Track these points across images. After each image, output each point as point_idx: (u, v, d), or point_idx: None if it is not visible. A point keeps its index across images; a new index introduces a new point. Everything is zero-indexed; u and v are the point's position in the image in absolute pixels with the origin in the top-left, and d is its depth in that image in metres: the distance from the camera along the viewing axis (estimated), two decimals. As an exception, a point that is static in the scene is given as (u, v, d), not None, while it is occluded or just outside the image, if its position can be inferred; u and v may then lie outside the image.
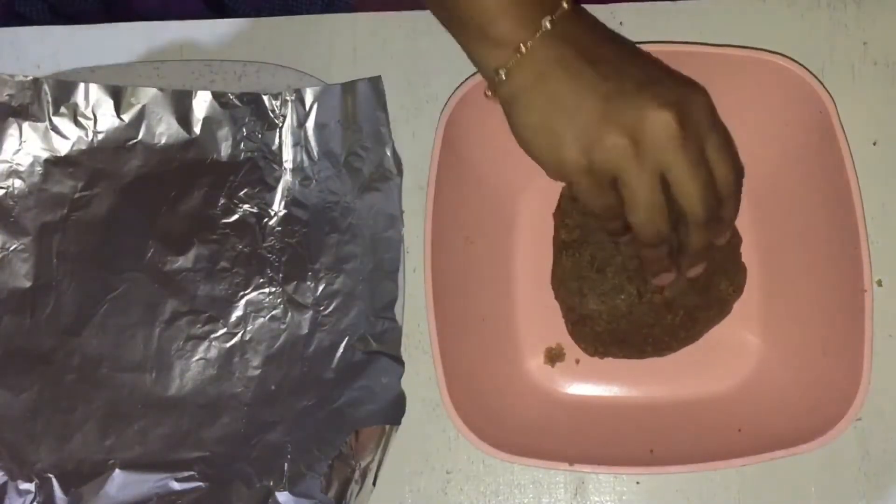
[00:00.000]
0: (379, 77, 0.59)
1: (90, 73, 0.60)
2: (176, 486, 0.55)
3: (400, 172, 0.58)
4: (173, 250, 0.59)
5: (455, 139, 0.55)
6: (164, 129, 0.60)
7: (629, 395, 0.58)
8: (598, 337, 0.56)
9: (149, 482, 0.55)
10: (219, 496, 0.54)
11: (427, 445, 0.57)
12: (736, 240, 0.57)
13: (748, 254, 0.58)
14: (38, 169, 0.59)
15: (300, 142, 0.59)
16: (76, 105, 0.59)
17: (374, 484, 0.55)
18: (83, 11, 0.74)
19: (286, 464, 0.54)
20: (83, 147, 0.60)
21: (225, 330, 0.58)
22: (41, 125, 0.59)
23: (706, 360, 0.58)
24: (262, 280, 0.58)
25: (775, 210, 0.58)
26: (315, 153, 0.59)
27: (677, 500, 0.57)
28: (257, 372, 0.57)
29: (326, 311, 0.58)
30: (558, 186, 0.58)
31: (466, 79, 0.55)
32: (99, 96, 0.59)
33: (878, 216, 0.58)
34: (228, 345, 0.58)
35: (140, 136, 0.60)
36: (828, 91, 0.53)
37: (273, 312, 0.58)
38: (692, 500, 0.57)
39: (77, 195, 0.59)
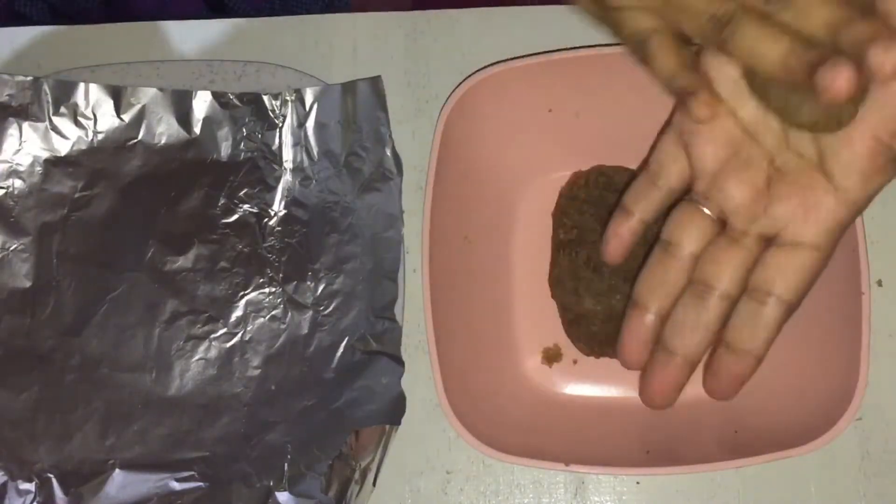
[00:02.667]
0: (379, 77, 0.59)
1: (90, 73, 0.60)
2: (176, 486, 0.55)
3: (400, 172, 0.58)
4: (173, 250, 0.59)
5: (455, 139, 0.55)
6: (164, 129, 0.60)
7: (627, 396, 0.58)
8: (594, 336, 0.56)
9: (149, 482, 0.55)
10: (219, 496, 0.54)
11: (427, 445, 0.58)
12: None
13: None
14: (38, 169, 0.60)
15: (300, 142, 0.59)
16: (76, 105, 0.59)
17: (374, 484, 0.55)
18: (83, 11, 0.74)
19: (286, 464, 0.54)
20: (83, 147, 0.60)
21: (225, 330, 0.58)
22: (41, 125, 0.59)
23: (704, 361, 0.58)
24: (262, 280, 0.58)
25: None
26: (315, 153, 0.59)
27: (677, 500, 0.57)
28: (257, 372, 0.57)
29: (326, 311, 0.58)
30: (557, 186, 0.59)
31: (466, 78, 0.55)
32: (99, 96, 0.59)
33: (878, 216, 0.58)
34: (228, 345, 0.58)
35: (140, 136, 0.60)
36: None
37: (273, 312, 0.58)
38: (692, 500, 0.57)
39: (77, 195, 0.59)
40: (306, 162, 0.59)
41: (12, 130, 0.59)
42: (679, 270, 0.45)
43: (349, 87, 0.59)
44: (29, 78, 0.59)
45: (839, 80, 0.34)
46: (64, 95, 0.59)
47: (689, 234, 0.45)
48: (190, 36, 0.62)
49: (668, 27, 0.42)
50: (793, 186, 0.42)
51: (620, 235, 0.48)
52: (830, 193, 0.41)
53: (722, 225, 0.45)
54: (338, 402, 0.55)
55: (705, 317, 0.44)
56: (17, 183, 0.59)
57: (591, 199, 0.57)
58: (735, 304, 0.44)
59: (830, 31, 0.36)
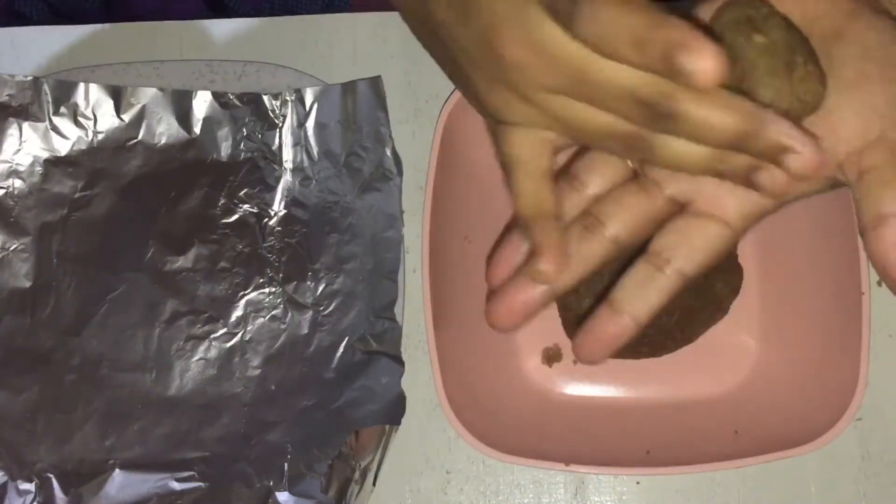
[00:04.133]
0: (379, 77, 0.59)
1: (90, 73, 0.60)
2: (176, 486, 0.55)
3: (400, 172, 0.58)
4: (173, 250, 0.59)
5: (455, 139, 0.55)
6: (164, 129, 0.60)
7: (627, 396, 0.58)
8: (594, 337, 0.56)
9: (149, 482, 0.55)
10: (219, 496, 0.54)
11: (427, 445, 0.58)
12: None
13: (745, 255, 0.58)
14: (38, 169, 0.60)
15: (300, 142, 0.59)
16: (76, 105, 0.59)
17: (374, 484, 0.55)
18: (83, 11, 0.74)
19: (286, 464, 0.54)
20: (83, 147, 0.60)
21: (225, 330, 0.58)
22: (41, 125, 0.59)
23: (704, 361, 0.58)
24: (262, 280, 0.58)
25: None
26: (315, 153, 0.59)
27: (677, 501, 0.57)
28: (257, 372, 0.57)
29: (326, 311, 0.58)
30: (558, 186, 0.58)
31: (466, 79, 0.55)
32: (99, 96, 0.59)
33: (878, 216, 0.58)
34: (228, 345, 0.58)
35: (140, 136, 0.60)
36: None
37: (273, 312, 0.58)
38: (692, 500, 0.57)
39: (77, 195, 0.59)
40: (306, 162, 0.59)
41: (12, 130, 0.59)
42: (576, 204, 0.41)
43: (349, 87, 0.59)
44: (29, 78, 0.59)
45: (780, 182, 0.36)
46: (64, 95, 0.59)
47: (600, 174, 0.41)
48: (190, 36, 0.62)
49: (542, 153, 0.40)
50: None
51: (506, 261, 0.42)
52: None
53: (636, 174, 0.41)
54: (338, 402, 0.55)
55: (584, 249, 0.40)
56: (17, 183, 0.59)
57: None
58: (620, 251, 0.41)
59: (731, 140, 0.36)
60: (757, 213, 0.39)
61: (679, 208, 0.40)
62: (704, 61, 0.31)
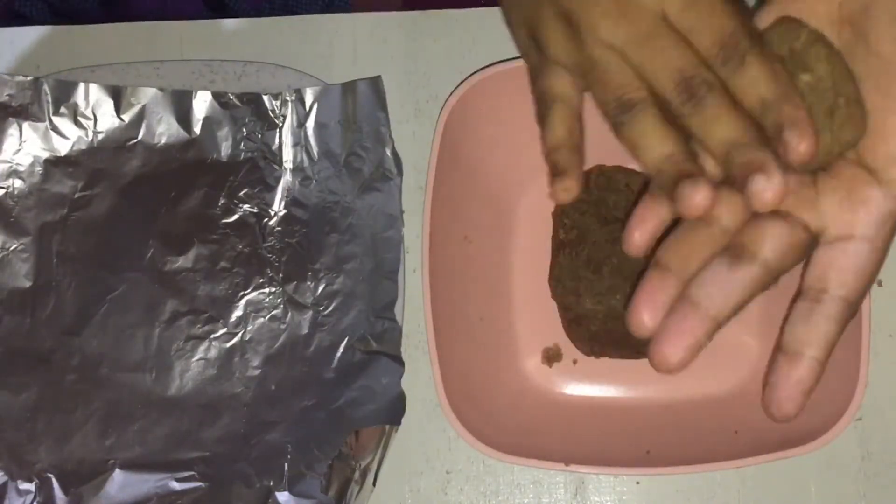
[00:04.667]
0: (379, 77, 0.59)
1: (90, 73, 0.60)
2: (176, 486, 0.55)
3: (400, 172, 0.58)
4: (173, 250, 0.59)
5: (455, 139, 0.55)
6: (164, 129, 0.60)
7: (627, 396, 0.58)
8: (594, 336, 0.56)
9: (149, 482, 0.55)
10: (219, 496, 0.54)
11: (427, 445, 0.58)
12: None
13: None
14: (38, 169, 0.60)
15: (300, 142, 0.59)
16: (76, 105, 0.59)
17: (374, 484, 0.55)
18: (83, 11, 0.74)
19: (286, 464, 0.54)
20: (83, 147, 0.60)
21: (225, 330, 0.58)
22: (41, 125, 0.59)
23: (704, 362, 0.57)
24: (262, 280, 0.58)
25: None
26: (315, 153, 0.59)
27: (677, 500, 0.57)
28: (257, 372, 0.57)
29: (326, 311, 0.58)
30: (558, 186, 0.58)
31: (466, 78, 0.55)
32: (99, 96, 0.59)
33: (878, 216, 0.58)
34: (228, 345, 0.58)
35: (140, 136, 0.60)
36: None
37: (273, 312, 0.58)
38: (692, 500, 0.57)
39: (77, 195, 0.59)
40: (306, 162, 0.59)
41: (12, 130, 0.59)
42: (710, 238, 0.40)
43: (349, 87, 0.59)
44: (29, 78, 0.59)
45: (696, 197, 0.37)
46: (64, 95, 0.59)
47: (727, 208, 0.40)
48: (190, 36, 0.62)
49: (578, 94, 0.44)
50: (838, 180, 0.40)
51: (645, 221, 0.42)
52: (876, 186, 0.39)
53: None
54: (338, 402, 0.55)
55: (739, 275, 0.39)
56: (17, 183, 0.59)
57: (592, 200, 0.57)
58: (775, 279, 0.40)
59: (724, 148, 0.38)
60: (889, 219, 0.39)
61: (814, 240, 0.40)
62: (804, 145, 0.37)
